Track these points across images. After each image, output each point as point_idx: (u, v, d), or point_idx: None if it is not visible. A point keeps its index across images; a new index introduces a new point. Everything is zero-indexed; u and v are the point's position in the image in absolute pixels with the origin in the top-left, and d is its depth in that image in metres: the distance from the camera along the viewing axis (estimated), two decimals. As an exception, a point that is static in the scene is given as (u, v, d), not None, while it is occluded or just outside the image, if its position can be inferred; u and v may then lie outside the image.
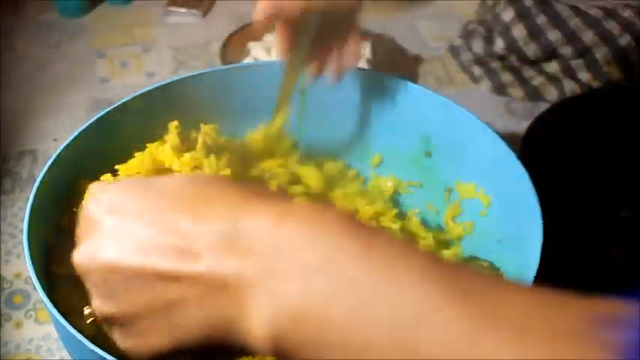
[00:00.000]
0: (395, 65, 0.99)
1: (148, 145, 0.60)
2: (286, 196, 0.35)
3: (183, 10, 1.10)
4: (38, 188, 0.52)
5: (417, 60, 1.02)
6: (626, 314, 0.25)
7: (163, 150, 0.56)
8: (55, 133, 0.88)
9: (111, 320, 0.35)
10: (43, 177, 0.53)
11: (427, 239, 0.60)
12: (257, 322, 0.30)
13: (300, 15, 0.54)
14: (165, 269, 0.32)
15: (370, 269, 0.29)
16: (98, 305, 0.35)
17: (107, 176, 0.55)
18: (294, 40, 0.56)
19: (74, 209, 0.57)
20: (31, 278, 0.46)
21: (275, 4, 0.54)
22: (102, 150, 0.59)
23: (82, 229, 0.36)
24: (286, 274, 0.29)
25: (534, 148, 0.70)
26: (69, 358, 0.53)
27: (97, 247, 0.34)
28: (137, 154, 0.57)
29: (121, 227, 0.33)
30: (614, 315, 0.25)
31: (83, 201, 0.37)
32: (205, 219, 0.32)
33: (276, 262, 0.30)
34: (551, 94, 0.93)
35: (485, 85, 0.96)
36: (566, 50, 0.89)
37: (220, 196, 0.33)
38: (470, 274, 0.29)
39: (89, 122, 0.57)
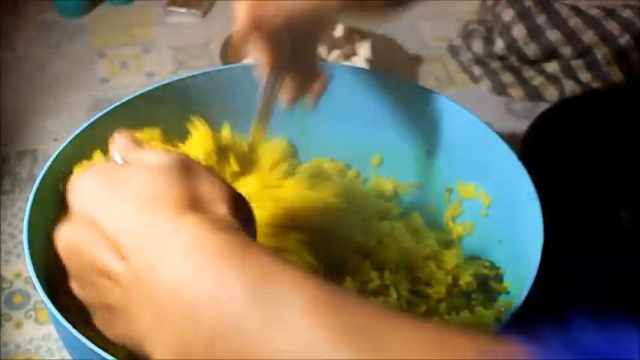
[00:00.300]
0: (395, 65, 0.99)
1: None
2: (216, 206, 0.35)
3: (183, 10, 1.10)
4: (38, 188, 0.52)
5: (417, 60, 1.02)
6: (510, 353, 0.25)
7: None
8: (55, 133, 0.88)
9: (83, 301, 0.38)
10: (43, 177, 0.53)
11: (430, 239, 0.60)
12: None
13: (283, 26, 0.50)
14: (100, 264, 0.33)
15: (254, 305, 0.28)
16: (73, 286, 0.37)
17: (98, 154, 0.56)
18: (274, 54, 0.52)
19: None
20: (31, 278, 0.46)
21: (255, 15, 0.51)
22: (102, 150, 0.59)
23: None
24: (167, 310, 0.30)
25: (534, 148, 0.70)
26: (69, 358, 0.53)
27: (62, 230, 0.36)
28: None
29: (80, 214, 0.35)
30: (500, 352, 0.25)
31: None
32: (124, 217, 0.33)
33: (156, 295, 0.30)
34: (551, 94, 0.93)
35: (485, 85, 0.96)
36: (566, 50, 0.89)
37: (162, 196, 0.34)
38: (360, 306, 0.28)
39: (89, 122, 0.57)
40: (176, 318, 0.30)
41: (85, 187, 0.36)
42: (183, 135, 0.63)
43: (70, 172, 0.56)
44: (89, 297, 0.36)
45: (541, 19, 0.90)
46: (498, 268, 0.57)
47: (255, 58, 0.54)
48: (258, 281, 0.29)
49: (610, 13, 0.88)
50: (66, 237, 0.36)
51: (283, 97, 0.56)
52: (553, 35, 0.90)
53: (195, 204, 0.33)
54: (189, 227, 0.31)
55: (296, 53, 0.53)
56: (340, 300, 0.28)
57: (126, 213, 0.33)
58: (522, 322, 0.44)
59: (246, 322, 0.28)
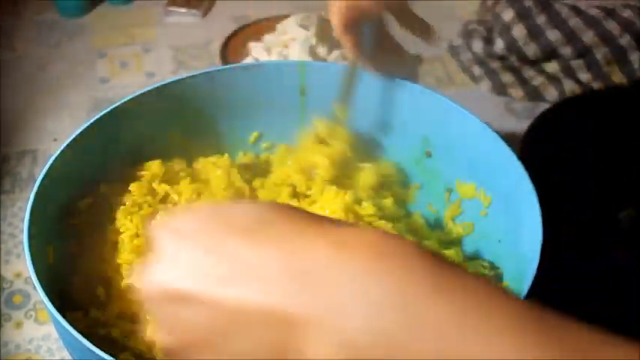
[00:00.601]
0: (395, 65, 0.99)
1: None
2: (343, 223, 0.32)
3: (183, 10, 1.10)
4: (38, 188, 0.52)
5: (417, 60, 1.02)
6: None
7: None
8: (55, 133, 0.88)
9: (171, 354, 0.33)
10: (43, 177, 0.53)
11: (431, 239, 0.60)
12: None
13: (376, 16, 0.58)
14: (226, 299, 0.29)
15: (447, 311, 0.25)
16: (161, 336, 0.32)
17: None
18: (359, 39, 0.60)
19: (77, 207, 0.57)
20: (31, 278, 0.46)
21: (354, 5, 0.56)
22: (102, 150, 0.59)
23: (147, 254, 0.34)
24: (349, 311, 0.27)
25: (534, 148, 0.70)
26: (69, 358, 0.53)
27: (156, 273, 0.31)
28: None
29: (181, 253, 0.31)
30: None
31: (150, 226, 0.35)
32: (262, 246, 0.30)
33: (336, 297, 0.27)
34: (551, 94, 0.93)
35: (485, 85, 0.96)
36: (566, 50, 0.89)
37: (280, 222, 0.31)
38: (572, 328, 0.25)
39: (89, 122, 0.57)
40: (357, 319, 0.27)
41: (181, 224, 0.32)
42: (183, 135, 0.63)
43: (70, 175, 0.56)
44: (186, 338, 0.31)
45: (541, 19, 0.90)
46: (498, 268, 0.57)
47: (344, 43, 0.60)
48: (448, 284, 0.26)
49: (610, 13, 0.88)
50: (157, 279, 0.31)
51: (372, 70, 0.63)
52: (553, 35, 0.89)
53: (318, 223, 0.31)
54: (347, 237, 0.29)
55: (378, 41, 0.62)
56: (549, 319, 0.26)
57: (268, 242, 0.30)
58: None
59: (442, 327, 0.25)
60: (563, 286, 0.57)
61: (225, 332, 0.30)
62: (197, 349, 0.31)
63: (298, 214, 0.32)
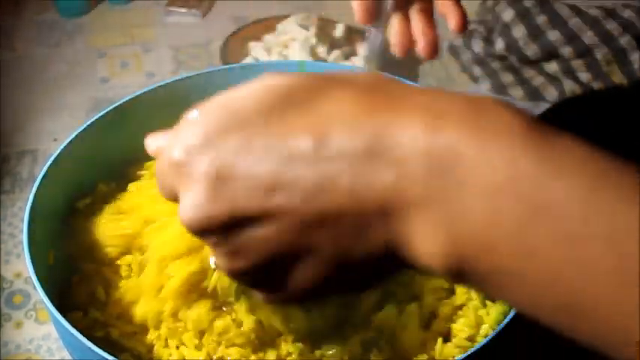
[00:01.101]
0: (395, 65, 0.99)
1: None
2: (430, 90, 0.27)
3: (183, 10, 1.10)
4: (38, 188, 0.52)
5: (417, 60, 1.02)
6: None
7: None
8: (55, 133, 0.88)
9: (244, 275, 0.30)
10: (43, 177, 0.53)
11: None
12: (428, 248, 0.25)
13: None
14: (299, 208, 0.26)
15: (572, 192, 0.23)
16: (225, 264, 0.29)
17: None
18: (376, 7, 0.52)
19: (77, 207, 0.57)
20: (31, 278, 0.46)
21: None
22: (102, 150, 0.59)
23: (170, 184, 0.30)
24: (461, 195, 0.24)
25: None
26: (69, 358, 0.53)
27: (204, 200, 0.27)
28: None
29: (226, 168, 0.27)
30: None
31: (170, 142, 0.31)
32: (331, 134, 0.26)
33: (441, 180, 0.24)
34: (551, 94, 0.93)
35: (485, 85, 0.96)
36: (566, 50, 0.89)
37: (329, 101, 0.27)
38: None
39: (89, 122, 0.57)
40: (475, 204, 0.24)
41: (201, 133, 0.28)
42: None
43: (71, 175, 0.56)
44: (262, 260, 0.28)
45: (541, 19, 0.90)
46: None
47: (357, 11, 0.54)
48: (565, 159, 0.24)
49: (610, 13, 0.88)
50: (208, 207, 0.27)
51: (396, 45, 0.56)
52: (553, 35, 0.89)
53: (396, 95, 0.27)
54: (443, 109, 0.26)
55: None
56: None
57: (334, 127, 0.26)
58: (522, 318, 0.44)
59: (568, 210, 0.23)
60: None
61: (305, 248, 0.27)
62: (278, 269, 0.28)
63: (351, 86, 0.28)
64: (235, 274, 0.30)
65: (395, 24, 0.54)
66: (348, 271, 0.28)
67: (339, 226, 0.26)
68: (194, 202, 0.28)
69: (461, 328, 0.50)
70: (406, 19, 0.54)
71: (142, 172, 0.60)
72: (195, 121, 0.29)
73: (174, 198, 0.30)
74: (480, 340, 0.47)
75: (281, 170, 0.26)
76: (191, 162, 0.28)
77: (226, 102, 0.29)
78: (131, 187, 0.58)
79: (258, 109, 0.28)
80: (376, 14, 0.51)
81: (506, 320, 0.45)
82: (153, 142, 0.35)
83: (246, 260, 0.28)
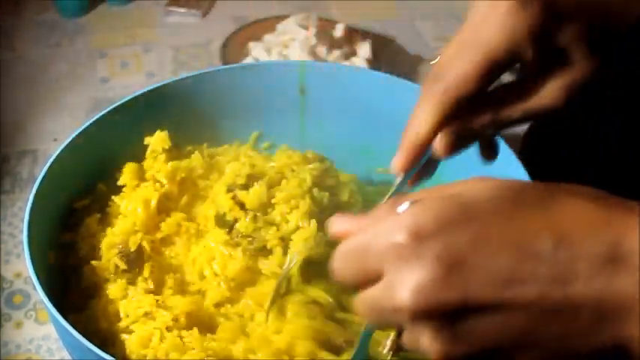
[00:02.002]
0: (395, 65, 0.99)
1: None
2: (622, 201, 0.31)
3: (183, 10, 1.10)
4: (38, 188, 0.52)
5: (417, 60, 1.02)
6: None
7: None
8: (55, 133, 0.88)
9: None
10: (43, 177, 0.53)
11: None
12: None
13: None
14: (535, 302, 0.28)
15: None
16: (441, 347, 0.30)
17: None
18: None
19: (77, 207, 0.57)
20: (31, 278, 0.46)
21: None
22: (102, 150, 0.59)
23: (374, 265, 0.31)
24: None
25: (534, 148, 0.70)
26: (69, 358, 0.53)
27: (436, 283, 0.29)
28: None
29: (460, 256, 0.29)
30: None
31: (373, 227, 0.31)
32: (571, 237, 0.29)
33: None
34: (551, 94, 0.93)
35: (486, 85, 0.96)
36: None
37: (563, 206, 0.30)
38: None
39: (89, 122, 0.57)
40: None
41: (431, 223, 0.29)
42: (183, 135, 0.63)
43: (70, 175, 0.56)
44: (490, 345, 0.30)
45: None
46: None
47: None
48: None
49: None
50: (438, 293, 0.29)
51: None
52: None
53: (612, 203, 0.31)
54: None
55: None
56: None
57: (574, 233, 0.29)
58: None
59: None
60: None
61: (537, 338, 0.29)
62: (504, 352, 0.30)
63: (572, 195, 0.31)
64: (449, 358, 0.30)
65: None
66: None
67: (573, 321, 0.28)
68: (423, 285, 0.29)
69: None
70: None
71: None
72: (420, 209, 0.30)
73: (365, 279, 0.31)
74: None
75: (519, 265, 0.28)
76: (420, 246, 0.29)
77: (453, 195, 0.31)
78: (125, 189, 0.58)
79: (491, 207, 0.30)
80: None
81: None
82: (340, 224, 0.35)
83: (469, 347, 0.29)
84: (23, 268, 0.71)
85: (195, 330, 0.49)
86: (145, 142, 0.60)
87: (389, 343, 0.36)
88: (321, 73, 0.65)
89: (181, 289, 0.54)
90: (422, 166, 0.47)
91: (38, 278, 0.46)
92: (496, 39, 0.40)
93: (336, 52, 0.94)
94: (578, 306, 0.28)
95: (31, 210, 0.50)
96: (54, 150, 0.55)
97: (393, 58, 1.00)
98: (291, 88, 0.66)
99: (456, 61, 0.41)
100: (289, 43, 0.95)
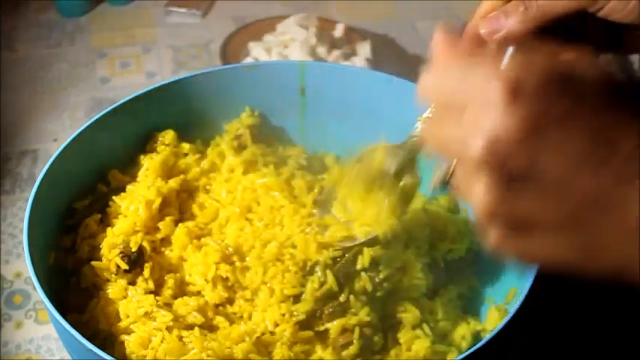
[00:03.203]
0: (395, 65, 0.99)
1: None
2: None
3: (183, 10, 1.10)
4: (38, 188, 0.52)
5: (417, 60, 1.02)
6: None
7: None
8: (55, 133, 0.88)
9: (501, 219, 0.31)
10: (43, 177, 0.53)
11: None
12: None
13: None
14: (599, 195, 0.29)
15: None
16: (491, 202, 0.30)
17: None
18: None
19: (77, 207, 0.57)
20: (31, 278, 0.46)
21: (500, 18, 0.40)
22: (102, 150, 0.59)
23: (481, 106, 0.30)
24: None
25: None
26: (69, 358, 0.53)
27: (513, 143, 0.29)
28: None
29: (545, 127, 0.29)
30: None
31: (475, 61, 0.33)
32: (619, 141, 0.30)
33: None
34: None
35: (486, 85, 0.96)
36: (567, 50, 0.89)
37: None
38: None
39: (89, 122, 0.57)
40: None
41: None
42: (182, 135, 0.63)
43: (71, 175, 0.56)
44: (537, 215, 0.30)
45: (541, 19, 0.90)
46: (498, 267, 0.57)
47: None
48: None
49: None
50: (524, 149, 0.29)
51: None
52: (553, 35, 0.89)
53: None
54: None
55: None
56: None
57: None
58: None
59: None
60: (564, 284, 0.57)
61: (579, 221, 0.30)
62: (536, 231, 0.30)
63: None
64: (490, 214, 0.31)
65: None
66: None
67: (621, 221, 0.30)
68: (503, 137, 0.29)
69: None
70: None
71: (142, 172, 0.60)
72: (526, 64, 0.30)
73: (445, 105, 0.33)
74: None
75: (595, 154, 0.29)
76: (513, 100, 0.29)
77: (562, 63, 0.31)
78: (131, 186, 0.59)
79: (593, 91, 0.30)
80: None
81: (505, 321, 0.45)
82: (443, 41, 0.38)
83: (511, 211, 0.30)
84: (23, 268, 0.71)
85: (196, 330, 0.49)
86: (152, 140, 0.61)
87: (439, 175, 0.35)
88: (321, 73, 0.65)
89: (181, 289, 0.54)
90: None
91: (38, 278, 0.46)
92: None
93: (336, 52, 0.94)
94: (631, 210, 0.29)
95: (31, 210, 0.50)
96: (54, 150, 0.55)
97: (393, 58, 1.00)
98: (291, 88, 0.66)
99: None
100: (289, 43, 0.95)
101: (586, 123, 0.30)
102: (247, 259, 0.54)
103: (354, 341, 0.50)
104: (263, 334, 0.50)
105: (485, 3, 0.43)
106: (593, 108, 0.30)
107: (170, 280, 0.53)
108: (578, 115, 0.30)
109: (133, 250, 0.53)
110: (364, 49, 0.96)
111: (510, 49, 0.32)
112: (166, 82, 0.62)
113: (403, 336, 0.51)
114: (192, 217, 0.58)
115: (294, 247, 0.54)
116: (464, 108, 0.31)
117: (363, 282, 0.51)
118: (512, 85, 0.29)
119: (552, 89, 0.30)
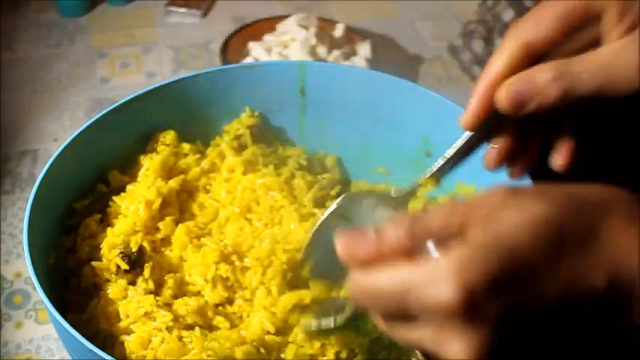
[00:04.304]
0: (395, 65, 0.99)
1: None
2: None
3: (183, 10, 1.10)
4: (38, 188, 0.52)
5: (417, 60, 1.02)
6: None
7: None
8: (55, 133, 0.88)
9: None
10: (43, 177, 0.53)
11: None
12: None
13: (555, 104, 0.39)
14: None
15: None
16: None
17: None
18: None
19: (77, 207, 0.57)
20: (31, 278, 0.46)
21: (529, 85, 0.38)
22: (102, 150, 0.59)
23: (442, 324, 0.29)
24: None
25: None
26: (69, 358, 0.53)
27: (491, 352, 0.28)
28: None
29: (516, 317, 0.29)
30: None
31: (409, 268, 0.29)
32: (623, 276, 0.30)
33: None
34: (552, 94, 0.93)
35: (486, 85, 0.96)
36: (566, 50, 0.89)
37: (607, 237, 0.31)
38: None
39: (89, 122, 0.57)
40: None
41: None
42: (182, 135, 0.63)
43: (70, 175, 0.56)
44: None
45: (541, 19, 0.90)
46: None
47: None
48: None
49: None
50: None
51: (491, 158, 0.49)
52: (553, 35, 0.89)
53: None
54: None
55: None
56: None
57: None
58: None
59: None
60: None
61: None
62: None
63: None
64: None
65: (503, 141, 0.47)
66: None
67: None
68: (481, 351, 0.28)
69: None
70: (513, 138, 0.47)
71: (142, 172, 0.60)
72: (465, 258, 0.28)
73: (395, 318, 0.30)
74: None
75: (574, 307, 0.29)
76: (474, 310, 0.28)
77: (496, 238, 0.29)
78: (131, 187, 0.59)
79: (538, 250, 0.29)
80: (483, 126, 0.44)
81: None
82: (350, 245, 0.32)
83: None
84: (23, 268, 0.71)
85: (196, 330, 0.49)
86: (152, 140, 0.61)
87: None
88: (321, 73, 0.65)
89: (181, 289, 0.54)
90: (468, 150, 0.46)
91: (38, 278, 0.46)
92: None
93: (336, 52, 0.94)
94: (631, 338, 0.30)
95: (31, 210, 0.50)
96: (54, 150, 0.55)
97: (393, 58, 1.00)
98: (291, 88, 0.66)
99: (536, 12, 0.40)
100: (289, 43, 0.95)
101: (554, 283, 0.29)
102: (246, 259, 0.54)
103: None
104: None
105: (497, 62, 0.41)
106: (551, 264, 0.29)
107: (170, 280, 0.53)
108: (542, 284, 0.29)
109: (133, 250, 0.53)
110: (364, 49, 0.96)
111: (432, 246, 0.29)
112: (166, 82, 0.62)
113: None
114: (192, 217, 0.58)
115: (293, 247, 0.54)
116: (416, 319, 0.30)
117: None
118: (464, 289, 0.28)
119: (503, 274, 0.28)
